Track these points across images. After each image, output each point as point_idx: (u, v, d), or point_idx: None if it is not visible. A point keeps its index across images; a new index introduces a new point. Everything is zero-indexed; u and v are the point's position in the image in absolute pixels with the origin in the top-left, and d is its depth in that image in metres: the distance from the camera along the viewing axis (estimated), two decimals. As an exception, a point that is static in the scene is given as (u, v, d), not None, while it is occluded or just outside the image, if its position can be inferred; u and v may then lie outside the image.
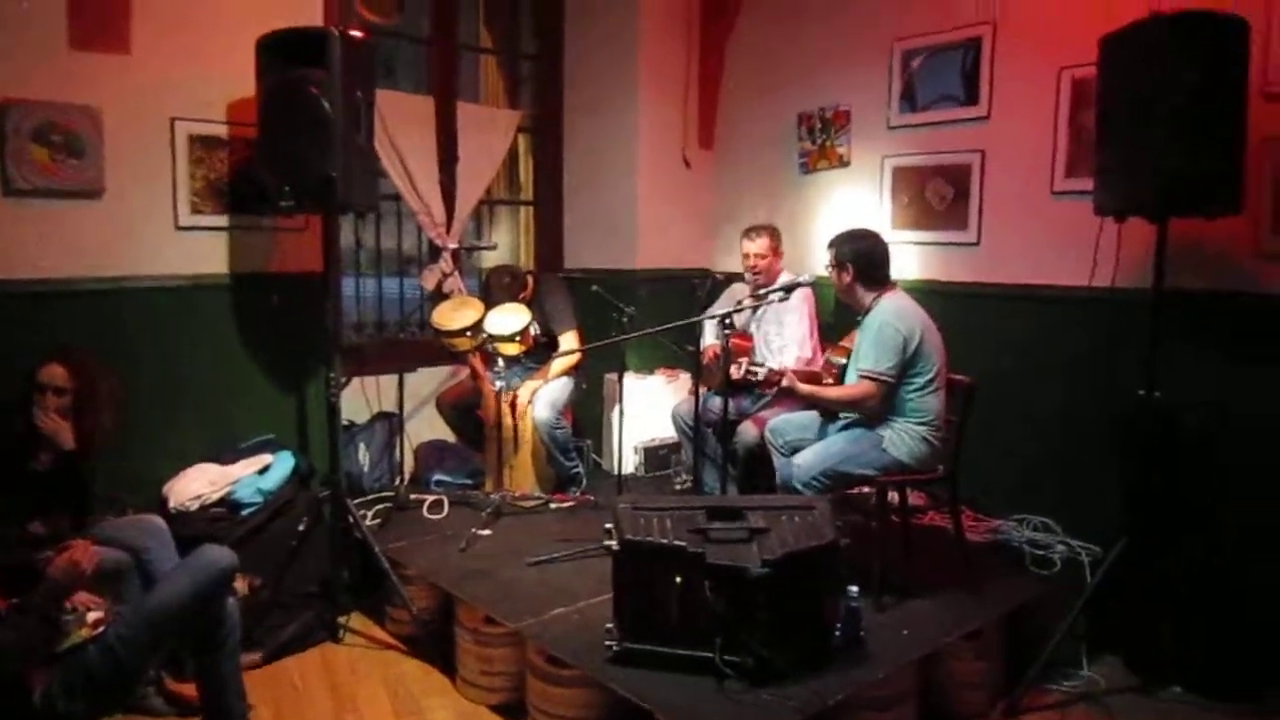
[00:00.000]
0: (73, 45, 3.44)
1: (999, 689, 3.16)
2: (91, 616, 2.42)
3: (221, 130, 3.83)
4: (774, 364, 3.67)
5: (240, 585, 3.15)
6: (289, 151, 3.36)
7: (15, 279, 3.40)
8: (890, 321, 3.27)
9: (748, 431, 3.97)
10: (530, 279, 4.66)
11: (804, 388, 3.41)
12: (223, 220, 3.89)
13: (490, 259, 5.30)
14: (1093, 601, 3.15)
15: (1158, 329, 3.05)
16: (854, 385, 3.37)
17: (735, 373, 3.44)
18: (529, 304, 4.42)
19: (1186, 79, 2.76)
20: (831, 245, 3.49)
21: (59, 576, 2.26)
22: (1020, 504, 3.96)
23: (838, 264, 3.45)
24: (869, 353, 3.28)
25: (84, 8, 3.43)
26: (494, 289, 4.51)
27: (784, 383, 3.38)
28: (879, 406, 3.32)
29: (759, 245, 4.32)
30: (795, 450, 3.52)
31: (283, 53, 3.40)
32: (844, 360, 3.54)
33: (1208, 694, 3.14)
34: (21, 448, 2.89)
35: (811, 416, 3.60)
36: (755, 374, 3.40)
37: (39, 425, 2.88)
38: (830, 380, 3.57)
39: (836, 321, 4.31)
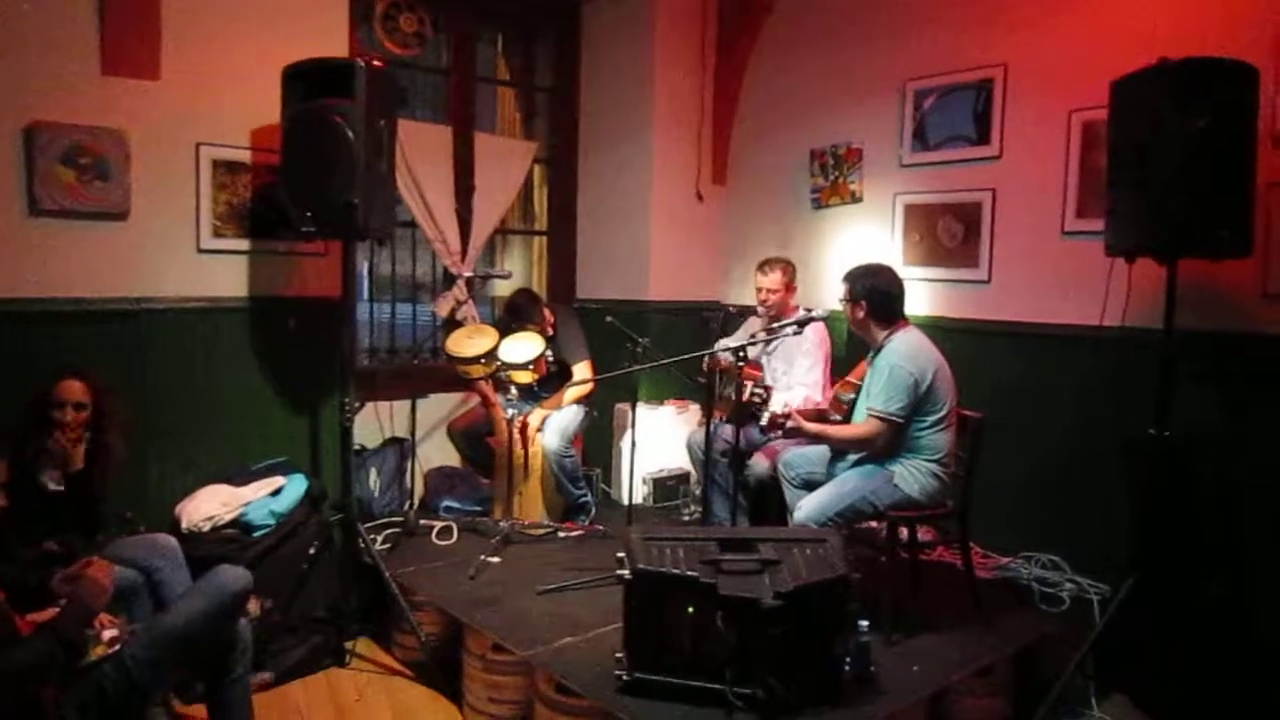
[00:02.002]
0: (104, 70, 3.51)
1: (1008, 726, 3.15)
2: (107, 635, 2.43)
3: (245, 155, 3.89)
4: (782, 400, 3.68)
5: (252, 607, 3.16)
6: (312, 178, 3.42)
7: (39, 298, 3.44)
8: (901, 364, 3.29)
9: (760, 464, 3.98)
10: (549, 313, 4.69)
11: (811, 427, 3.41)
12: (243, 244, 3.94)
13: (503, 287, 5.35)
14: (1102, 640, 3.14)
15: (1169, 368, 3.08)
16: (862, 424, 3.39)
17: (744, 396, 3.46)
18: (549, 336, 4.46)
19: (1195, 124, 2.80)
20: (846, 279, 3.52)
21: (85, 600, 2.26)
22: (1029, 541, 3.96)
23: (851, 299, 3.47)
24: (880, 393, 3.30)
25: (116, 34, 3.50)
26: (519, 307, 4.55)
27: (789, 424, 3.40)
28: (886, 446, 3.34)
29: (772, 280, 4.35)
30: (807, 483, 3.54)
31: (308, 82, 3.47)
32: (851, 395, 3.56)
33: (1217, 735, 3.13)
34: (33, 467, 2.90)
35: (823, 451, 3.61)
36: (760, 395, 3.40)
37: (51, 444, 2.90)
38: (838, 416, 3.58)
39: (849, 354, 4.33)
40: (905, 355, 3.32)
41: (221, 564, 2.75)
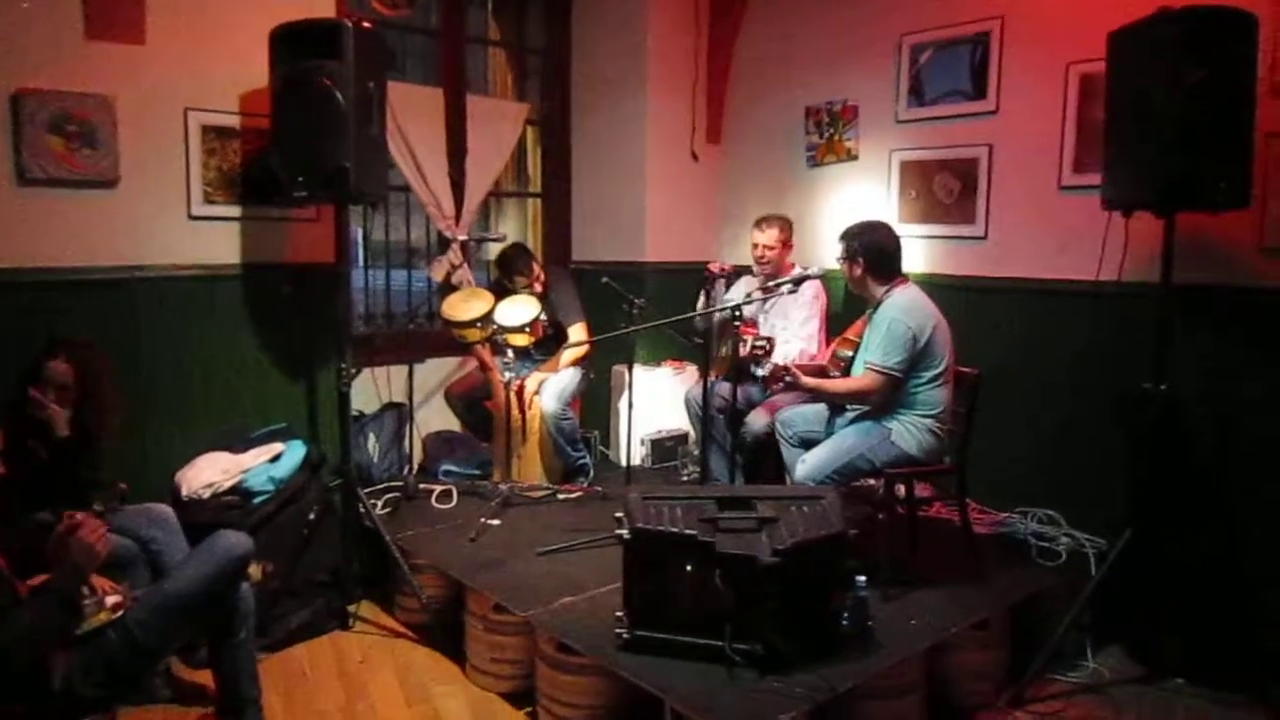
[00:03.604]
0: (88, 35, 3.45)
1: (1004, 680, 3.19)
2: (110, 601, 2.44)
3: (234, 120, 3.84)
4: (780, 354, 3.68)
5: (255, 571, 3.17)
6: (302, 142, 3.39)
7: (30, 268, 3.41)
8: (900, 318, 3.29)
9: (757, 420, 3.99)
10: (539, 268, 4.67)
11: (808, 381, 3.42)
12: (235, 210, 3.90)
13: (498, 251, 5.32)
14: (1098, 593, 3.18)
15: (1166, 322, 3.08)
16: (860, 378, 3.40)
17: (744, 350, 3.46)
18: (540, 295, 4.45)
19: (1194, 74, 2.77)
20: (843, 238, 3.51)
21: (77, 559, 2.27)
22: (1026, 496, 3.98)
23: (849, 257, 3.46)
24: (878, 347, 3.30)
25: (99, -2, 3.45)
26: (509, 259, 4.55)
27: (788, 378, 3.40)
28: (883, 399, 3.35)
29: (769, 236, 4.33)
30: (805, 442, 3.55)
31: (296, 44, 3.42)
32: (850, 353, 3.56)
33: (1211, 686, 3.17)
34: (23, 437, 2.89)
35: (820, 409, 3.62)
36: (764, 347, 3.40)
37: (37, 413, 2.90)
38: (836, 373, 3.58)
39: (845, 312, 4.33)
40: (904, 310, 3.32)
41: (222, 529, 2.76)
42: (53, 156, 3.41)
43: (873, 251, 3.42)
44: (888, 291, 3.40)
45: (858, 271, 3.45)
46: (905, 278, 3.47)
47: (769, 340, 3.41)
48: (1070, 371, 3.85)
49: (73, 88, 3.43)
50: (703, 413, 4.00)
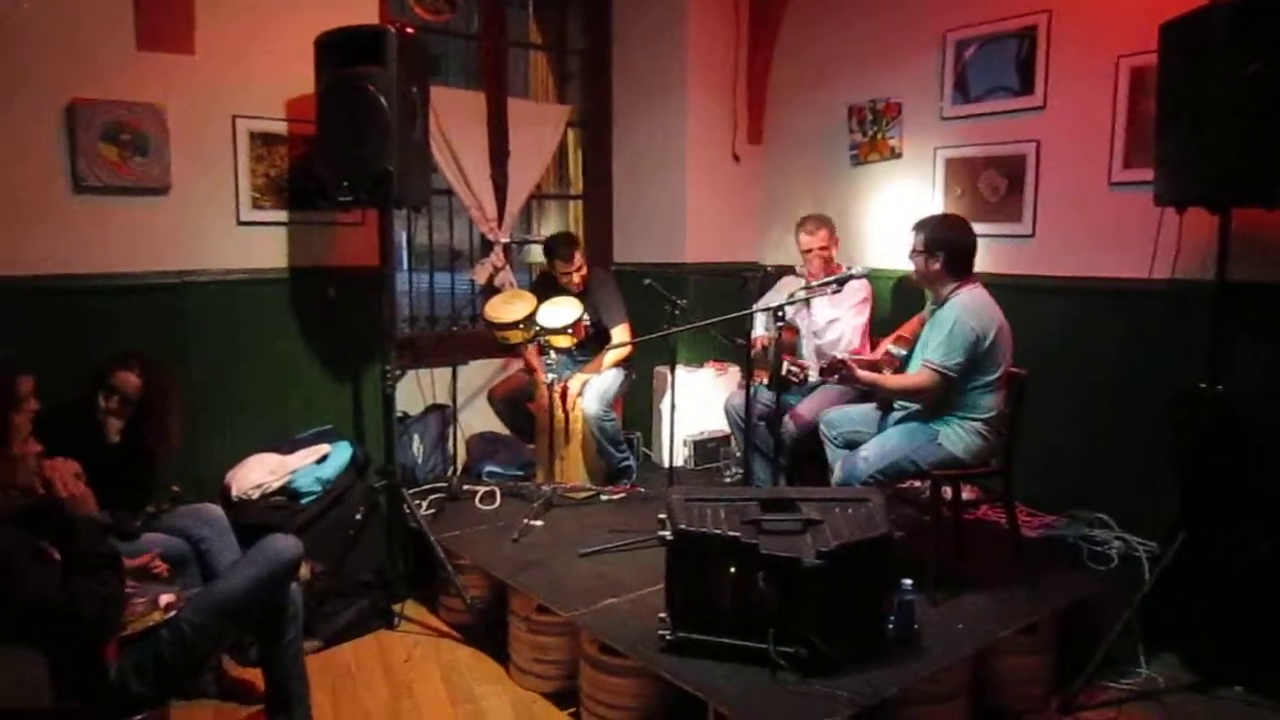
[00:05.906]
0: (139, 46, 3.54)
1: (1054, 685, 3.13)
2: (163, 600, 2.49)
3: (281, 127, 3.91)
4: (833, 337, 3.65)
5: (303, 572, 3.22)
6: (347, 147, 3.44)
7: (84, 273, 3.50)
8: (965, 319, 3.20)
9: (788, 426, 3.97)
10: (584, 261, 4.67)
11: (864, 374, 3.35)
12: (282, 215, 3.97)
13: (540, 253, 5.35)
14: (1151, 598, 3.10)
15: (1220, 321, 3.00)
16: (915, 375, 3.33)
17: (783, 371, 3.45)
18: (581, 295, 4.46)
19: (1249, 67, 2.70)
20: (921, 229, 3.38)
21: (76, 510, 2.29)
22: (1076, 499, 3.91)
23: (927, 249, 3.33)
24: (939, 346, 3.23)
25: (150, 10, 3.52)
26: (554, 244, 4.57)
27: (843, 370, 3.36)
28: (937, 398, 3.29)
29: (819, 237, 4.29)
30: (849, 443, 3.51)
31: (340, 50, 3.48)
32: (904, 351, 3.51)
33: (1269, 694, 3.08)
34: (82, 438, 2.95)
35: (867, 410, 3.58)
36: (794, 375, 3.39)
37: (92, 415, 2.97)
38: (889, 370, 3.54)
39: (893, 314, 4.28)
40: (971, 311, 3.24)
41: (273, 532, 2.80)
42: (106, 164, 3.49)
43: (955, 249, 3.31)
44: (955, 290, 3.31)
45: (935, 266, 3.33)
46: (975, 278, 3.38)
47: (802, 368, 3.39)
48: (1121, 371, 3.77)
49: (125, 97, 3.52)
50: (745, 417, 3.97)
